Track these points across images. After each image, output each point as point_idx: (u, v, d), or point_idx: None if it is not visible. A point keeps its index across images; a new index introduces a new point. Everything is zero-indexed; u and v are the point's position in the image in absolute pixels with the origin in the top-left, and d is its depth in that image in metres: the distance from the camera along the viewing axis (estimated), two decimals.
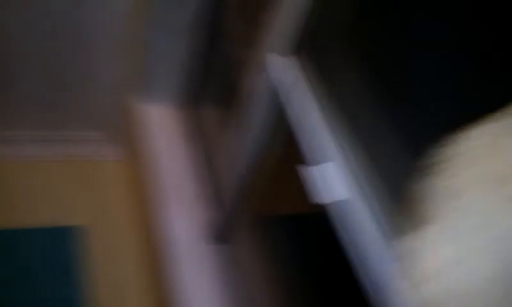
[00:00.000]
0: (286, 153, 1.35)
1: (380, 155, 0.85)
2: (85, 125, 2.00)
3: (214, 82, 1.77)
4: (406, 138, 0.82)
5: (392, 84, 0.87)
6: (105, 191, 2.01)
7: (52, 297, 1.72)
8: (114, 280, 1.80)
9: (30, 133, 1.96)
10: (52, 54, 1.73)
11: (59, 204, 1.92)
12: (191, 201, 1.67)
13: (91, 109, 1.95)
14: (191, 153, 1.78)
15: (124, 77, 1.88)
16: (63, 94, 1.87)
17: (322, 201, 0.89)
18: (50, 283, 1.74)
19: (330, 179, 0.88)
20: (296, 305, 1.32)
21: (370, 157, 0.86)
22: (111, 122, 2.02)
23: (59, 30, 1.67)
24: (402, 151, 0.81)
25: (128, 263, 1.86)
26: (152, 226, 1.73)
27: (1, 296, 1.68)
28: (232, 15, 1.57)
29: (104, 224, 1.93)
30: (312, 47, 1.04)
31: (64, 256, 1.81)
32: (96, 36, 1.72)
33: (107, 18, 1.69)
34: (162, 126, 1.84)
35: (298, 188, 1.44)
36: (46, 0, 1.60)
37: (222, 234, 1.56)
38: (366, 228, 0.81)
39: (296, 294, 1.33)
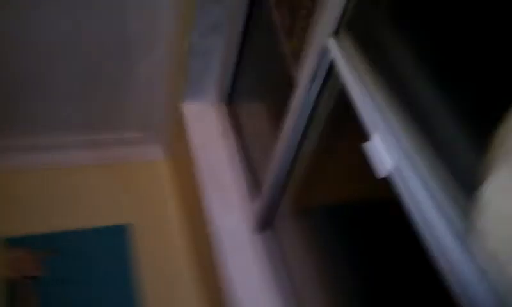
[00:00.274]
0: (326, 143, 1.38)
1: (429, 124, 0.86)
2: (126, 127, 2.06)
3: (253, 76, 1.80)
4: (455, 107, 0.83)
5: (439, 55, 0.89)
6: (148, 190, 2.07)
7: (107, 293, 1.78)
8: (164, 273, 1.86)
9: (73, 138, 2.03)
10: (93, 59, 1.79)
11: (105, 206, 1.98)
12: (235, 193, 1.70)
13: (132, 112, 2.02)
14: (233, 148, 1.82)
15: (164, 78, 1.93)
16: (104, 98, 1.93)
17: (380, 174, 0.91)
18: (104, 280, 1.80)
19: (379, 150, 0.91)
20: (339, 288, 1.34)
21: (418, 126, 0.88)
22: (151, 123, 2.07)
23: (101, 36, 1.73)
24: (452, 120, 0.83)
25: (176, 256, 1.91)
26: (197, 219, 1.77)
27: (59, 295, 1.74)
28: (271, 7, 1.60)
29: (150, 221, 1.98)
30: (360, 25, 1.06)
31: (114, 253, 1.87)
32: (136, 40, 1.78)
33: (147, 23, 1.74)
34: (204, 123, 1.88)
35: (337, 178, 1.47)
36: (88, 10, 1.66)
37: (266, 223, 1.59)
38: (417, 194, 0.83)
39: (339, 278, 1.35)
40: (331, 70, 1.15)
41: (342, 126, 1.31)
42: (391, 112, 0.93)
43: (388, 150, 0.90)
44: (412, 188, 0.84)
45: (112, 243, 1.89)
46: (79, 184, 2.00)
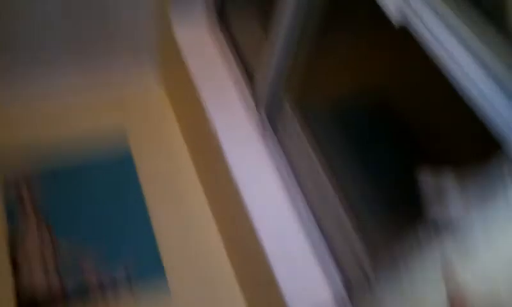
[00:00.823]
0: (326, 35, 1.38)
1: None
2: (116, 52, 2.02)
3: None
4: None
5: None
6: (142, 106, 2.07)
7: (113, 198, 1.80)
8: (166, 174, 1.90)
9: (67, 64, 1.98)
10: None
11: (99, 124, 1.98)
12: (233, 93, 1.70)
13: (121, 36, 1.97)
14: (227, 53, 1.79)
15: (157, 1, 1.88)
16: (91, 23, 1.88)
17: (396, 21, 0.90)
18: (109, 186, 1.83)
19: None
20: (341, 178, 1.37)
21: None
22: (142, 45, 2.04)
23: None
24: None
25: (177, 160, 1.95)
26: (197, 123, 1.78)
27: (64, 207, 1.75)
28: None
29: (147, 132, 1.99)
30: None
31: (115, 163, 1.88)
32: None
33: None
34: (197, 42, 1.84)
35: (336, 74, 1.47)
36: None
37: (266, 122, 1.60)
38: (436, 30, 0.82)
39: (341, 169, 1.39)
40: None
41: (341, 16, 1.31)
42: None
43: None
44: (430, 26, 0.83)
45: (111, 154, 1.89)
46: (71, 107, 1.98)
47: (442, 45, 0.82)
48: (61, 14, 1.78)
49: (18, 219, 1.68)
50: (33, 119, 1.92)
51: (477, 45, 0.77)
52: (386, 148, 1.34)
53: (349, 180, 1.32)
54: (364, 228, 1.21)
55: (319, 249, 1.36)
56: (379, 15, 0.98)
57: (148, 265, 1.69)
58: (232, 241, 1.73)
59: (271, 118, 1.59)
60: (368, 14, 1.14)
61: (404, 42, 1.01)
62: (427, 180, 0.76)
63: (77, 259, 1.64)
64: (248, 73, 1.71)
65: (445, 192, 0.73)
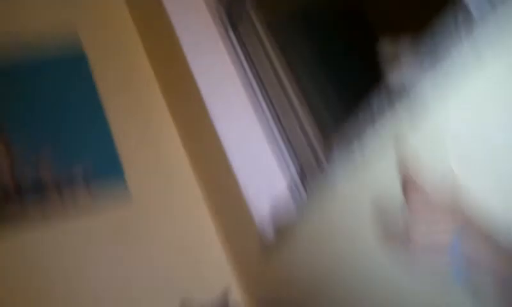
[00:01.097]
0: None
1: None
2: None
3: None
4: None
5: None
6: (97, 7, 1.94)
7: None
8: (122, 74, 1.83)
9: None
10: None
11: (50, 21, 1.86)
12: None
13: None
14: None
15: None
16: None
17: None
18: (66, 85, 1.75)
19: None
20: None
21: None
22: None
23: None
24: None
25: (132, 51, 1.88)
26: (155, 24, 1.73)
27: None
28: None
29: (100, 27, 1.90)
30: None
31: (69, 60, 1.80)
32: None
33: None
34: None
35: None
36: None
37: (228, 24, 1.55)
38: None
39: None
40: None
41: None
42: None
43: None
44: None
45: (63, 51, 1.79)
46: (18, 2, 1.82)
47: None
48: None
49: None
50: None
51: None
52: (345, 44, 1.33)
53: (305, 71, 1.31)
54: (319, 114, 1.21)
55: (275, 141, 1.37)
56: None
57: (106, 166, 1.66)
58: (191, 140, 1.72)
59: (232, 20, 1.55)
60: None
61: None
62: (384, 47, 0.75)
63: (32, 157, 1.60)
64: None
65: (401, 56, 0.72)
